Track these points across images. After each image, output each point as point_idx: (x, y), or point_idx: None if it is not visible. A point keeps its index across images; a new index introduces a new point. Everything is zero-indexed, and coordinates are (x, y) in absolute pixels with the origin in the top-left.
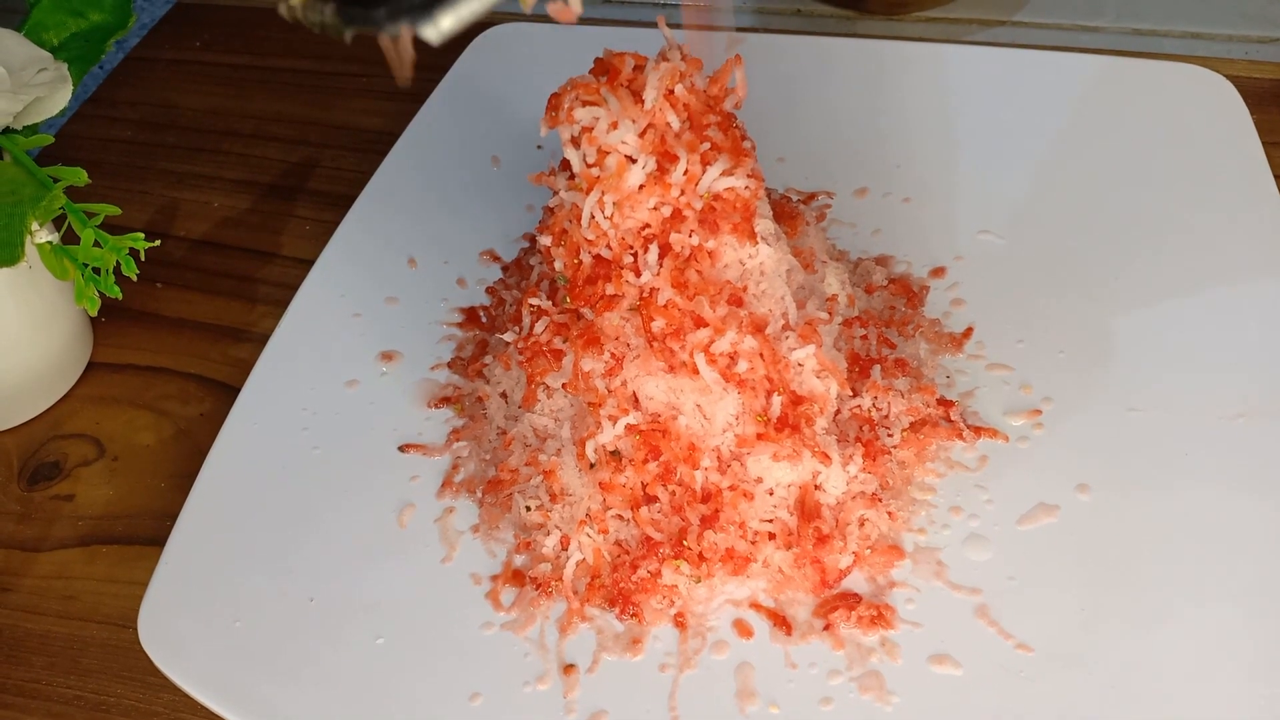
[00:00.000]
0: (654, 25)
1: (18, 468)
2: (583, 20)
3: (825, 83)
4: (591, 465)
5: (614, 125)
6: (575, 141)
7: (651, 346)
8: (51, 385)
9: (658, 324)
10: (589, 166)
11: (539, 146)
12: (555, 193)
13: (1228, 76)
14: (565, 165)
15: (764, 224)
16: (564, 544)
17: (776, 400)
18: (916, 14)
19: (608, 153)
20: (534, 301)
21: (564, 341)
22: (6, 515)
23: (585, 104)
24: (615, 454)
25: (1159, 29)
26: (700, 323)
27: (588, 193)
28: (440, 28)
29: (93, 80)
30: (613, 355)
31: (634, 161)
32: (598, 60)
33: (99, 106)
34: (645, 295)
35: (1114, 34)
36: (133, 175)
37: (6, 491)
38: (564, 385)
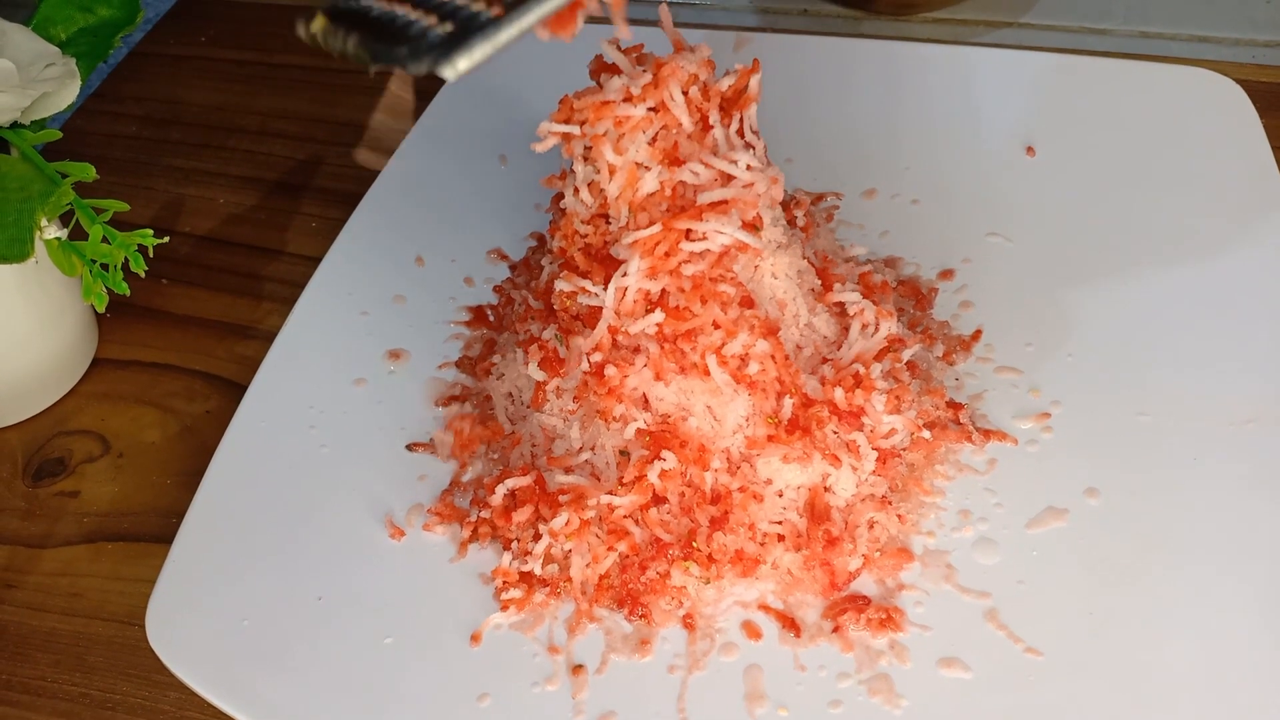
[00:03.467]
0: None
1: (23, 464)
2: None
3: (833, 83)
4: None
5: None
6: (586, 158)
7: (663, 348)
8: (57, 381)
9: (669, 326)
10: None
11: None
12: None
13: (1236, 80)
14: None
15: (775, 227)
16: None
17: (788, 402)
18: (924, 15)
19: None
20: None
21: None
22: (11, 512)
23: (583, 123)
24: (625, 455)
25: (1167, 32)
26: (712, 324)
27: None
28: (457, 68)
29: (97, 76)
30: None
31: (647, 169)
32: (597, 59)
33: (103, 102)
34: (657, 297)
35: (1122, 37)
36: (138, 171)
37: (11, 488)
38: (575, 399)
